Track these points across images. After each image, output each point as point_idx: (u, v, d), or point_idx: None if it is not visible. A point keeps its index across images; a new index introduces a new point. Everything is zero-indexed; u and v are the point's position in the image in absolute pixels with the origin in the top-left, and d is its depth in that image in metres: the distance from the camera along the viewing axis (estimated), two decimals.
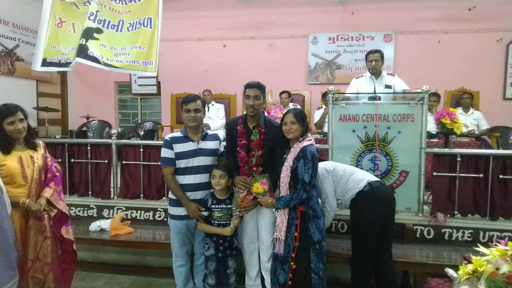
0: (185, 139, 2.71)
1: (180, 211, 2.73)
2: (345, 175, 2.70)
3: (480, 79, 6.22)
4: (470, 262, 1.63)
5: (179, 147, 2.69)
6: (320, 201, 2.64)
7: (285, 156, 2.63)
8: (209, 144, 2.79)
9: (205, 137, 2.79)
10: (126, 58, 4.02)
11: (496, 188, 3.24)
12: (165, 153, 2.71)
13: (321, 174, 2.68)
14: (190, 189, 2.70)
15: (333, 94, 3.38)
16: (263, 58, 7.08)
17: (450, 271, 1.81)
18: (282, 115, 2.70)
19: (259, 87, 2.73)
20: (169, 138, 2.73)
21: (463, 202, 3.32)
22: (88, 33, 4.04)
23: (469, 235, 3.21)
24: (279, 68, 6.92)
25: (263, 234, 2.82)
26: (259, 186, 2.57)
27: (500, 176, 3.22)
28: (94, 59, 3.96)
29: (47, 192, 2.49)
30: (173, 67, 7.33)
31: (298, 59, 7.04)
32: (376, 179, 2.71)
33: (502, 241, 1.60)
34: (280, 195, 2.60)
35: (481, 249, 1.61)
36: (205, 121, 5.98)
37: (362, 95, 3.63)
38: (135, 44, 4.13)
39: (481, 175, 3.27)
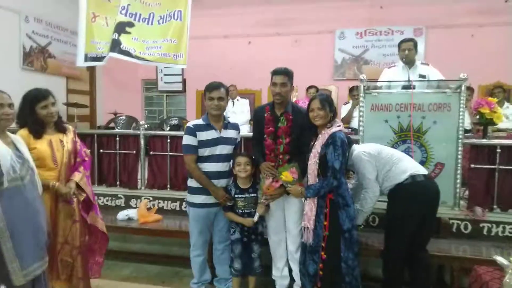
0: (207, 127, 2.68)
1: (201, 199, 2.71)
2: (389, 163, 2.58)
3: None
4: None
5: (203, 135, 2.66)
6: (349, 188, 2.53)
7: (312, 143, 2.55)
8: (230, 133, 2.77)
9: (226, 126, 2.76)
10: (157, 52, 4.04)
11: None
12: (188, 140, 2.68)
13: (364, 157, 2.58)
14: (213, 177, 2.68)
15: (365, 83, 3.27)
16: (288, 54, 6.99)
17: (499, 258, 1.69)
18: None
19: (286, 74, 2.66)
20: (192, 125, 2.70)
21: (503, 196, 3.14)
22: (121, 27, 4.07)
23: (510, 230, 3.03)
24: (305, 64, 6.80)
25: (291, 223, 2.74)
26: (288, 174, 2.49)
27: None
28: (127, 53, 3.99)
29: (77, 176, 2.50)
30: (199, 64, 7.32)
31: (325, 55, 6.94)
32: (423, 171, 2.57)
33: None
34: (308, 183, 2.51)
35: None
36: (230, 116, 5.98)
37: (394, 84, 3.50)
38: (165, 37, 4.13)
39: None
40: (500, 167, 3.13)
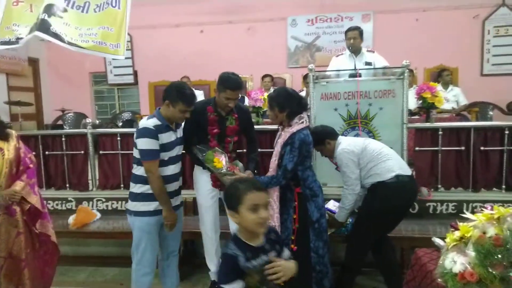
0: (167, 128, 2.38)
1: (153, 206, 2.39)
2: (376, 159, 2.51)
3: (459, 56, 6.27)
4: (457, 229, 1.61)
5: (164, 138, 2.35)
6: (316, 180, 2.54)
7: (276, 139, 2.56)
8: (180, 131, 2.56)
9: (178, 125, 2.52)
10: (92, 39, 3.65)
11: (478, 160, 3.26)
12: (152, 144, 2.29)
13: (347, 155, 2.53)
14: (168, 181, 2.41)
15: (314, 72, 3.31)
16: (242, 42, 6.95)
17: (436, 240, 1.79)
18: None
19: (241, 88, 2.58)
20: (153, 127, 2.31)
21: (446, 175, 3.33)
22: (51, 9, 3.63)
23: (453, 207, 3.22)
24: (259, 52, 6.82)
25: None
26: (219, 160, 2.44)
27: (481, 148, 3.23)
28: (57, 36, 3.56)
29: (18, 185, 2.33)
30: (150, 55, 7.14)
31: (278, 43, 6.95)
32: (408, 172, 2.55)
33: (488, 206, 1.58)
34: None
35: (468, 215, 1.59)
36: None
37: (342, 73, 3.58)
38: (102, 25, 3.80)
39: (463, 148, 3.28)
40: (443, 148, 3.31)
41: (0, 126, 2.35)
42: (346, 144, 2.60)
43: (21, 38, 3.61)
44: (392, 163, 2.51)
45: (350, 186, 2.53)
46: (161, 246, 2.57)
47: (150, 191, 2.37)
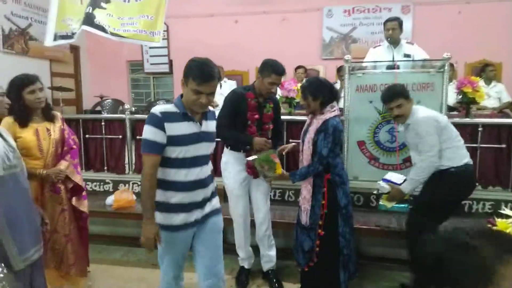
0: (183, 117, 1.85)
1: (180, 218, 1.89)
2: (454, 141, 2.47)
3: (503, 51, 5.97)
4: (494, 225, 1.57)
5: (174, 128, 1.82)
6: (344, 167, 2.55)
7: (305, 127, 2.58)
8: (211, 126, 2.00)
9: (206, 116, 1.96)
10: (133, 28, 3.84)
11: None
12: (152, 134, 1.80)
13: (434, 123, 2.43)
14: (186, 188, 1.89)
15: (350, 63, 3.27)
16: (276, 33, 6.92)
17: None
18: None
19: (285, 74, 2.67)
20: (159, 113, 1.81)
21: (484, 173, 3.23)
22: (96, 2, 3.87)
23: (489, 207, 3.12)
24: (293, 43, 6.77)
25: (261, 203, 2.80)
26: (280, 167, 2.48)
27: None
28: (101, 28, 3.79)
29: (63, 165, 2.49)
30: (185, 44, 7.23)
31: (312, 34, 6.87)
32: (471, 162, 2.53)
33: None
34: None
35: (506, 211, 1.55)
36: (217, 98, 5.93)
37: (379, 64, 3.51)
38: (142, 14, 3.92)
39: (504, 146, 3.16)
40: (482, 145, 3.19)
41: (47, 109, 2.50)
42: (432, 113, 2.52)
43: (75, 33, 3.85)
44: (465, 151, 2.52)
45: (432, 157, 2.39)
46: (199, 266, 2.05)
47: (174, 201, 1.89)
